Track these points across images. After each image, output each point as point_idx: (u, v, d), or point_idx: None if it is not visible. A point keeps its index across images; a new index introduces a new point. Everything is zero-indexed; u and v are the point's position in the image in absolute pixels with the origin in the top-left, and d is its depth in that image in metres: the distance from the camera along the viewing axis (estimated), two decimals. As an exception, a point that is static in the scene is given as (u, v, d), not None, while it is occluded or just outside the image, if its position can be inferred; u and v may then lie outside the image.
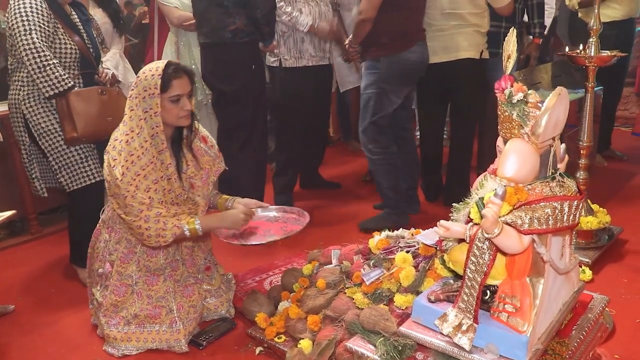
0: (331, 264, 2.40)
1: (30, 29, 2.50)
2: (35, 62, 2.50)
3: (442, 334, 1.61)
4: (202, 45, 3.32)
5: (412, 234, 2.32)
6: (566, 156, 1.70)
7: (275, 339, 2.17)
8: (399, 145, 3.41)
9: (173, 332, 2.26)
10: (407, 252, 2.14)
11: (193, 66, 3.67)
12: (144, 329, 2.28)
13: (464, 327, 1.57)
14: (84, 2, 3.18)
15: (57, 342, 2.38)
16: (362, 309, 1.97)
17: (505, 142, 1.60)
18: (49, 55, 2.52)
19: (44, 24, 2.55)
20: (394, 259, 2.13)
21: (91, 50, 2.80)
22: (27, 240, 3.44)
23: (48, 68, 2.52)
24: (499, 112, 1.59)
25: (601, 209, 2.92)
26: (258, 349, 2.22)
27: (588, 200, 2.91)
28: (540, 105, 1.54)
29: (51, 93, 2.56)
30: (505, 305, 1.57)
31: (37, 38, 2.50)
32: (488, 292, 1.63)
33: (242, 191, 2.65)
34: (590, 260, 2.69)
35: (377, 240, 2.32)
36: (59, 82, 2.55)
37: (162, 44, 3.93)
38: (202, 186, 2.39)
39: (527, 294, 1.55)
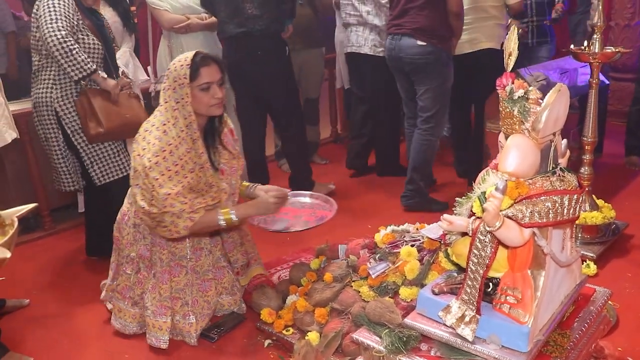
0: (338, 258, 2.45)
1: (56, 18, 2.61)
2: (62, 47, 2.60)
3: (446, 325, 1.65)
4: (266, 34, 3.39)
5: (417, 228, 2.36)
6: (567, 151, 1.73)
7: (284, 332, 2.21)
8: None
9: (185, 324, 2.31)
10: (412, 246, 2.18)
11: None
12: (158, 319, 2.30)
13: (467, 319, 1.61)
14: (96, 3, 3.26)
15: (71, 335, 2.44)
16: (368, 301, 2.01)
17: (507, 138, 1.64)
18: (72, 40, 2.63)
19: (69, 15, 2.66)
20: (399, 252, 2.17)
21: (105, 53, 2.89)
22: (41, 236, 3.50)
23: (75, 52, 2.62)
24: (501, 109, 1.62)
25: (606, 204, 2.94)
26: (267, 342, 2.27)
27: (593, 195, 2.93)
28: (540, 101, 1.57)
29: (80, 76, 2.67)
30: (507, 297, 1.61)
31: (62, 26, 2.60)
32: (490, 284, 1.67)
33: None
34: (595, 255, 2.71)
35: (382, 234, 2.36)
36: (85, 64, 2.66)
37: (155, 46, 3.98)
38: (230, 173, 2.40)
39: (529, 286, 1.59)
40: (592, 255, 2.70)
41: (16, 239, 2.07)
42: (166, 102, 2.20)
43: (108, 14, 3.34)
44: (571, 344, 1.72)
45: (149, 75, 3.92)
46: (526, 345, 1.55)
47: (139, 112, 2.86)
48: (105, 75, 2.77)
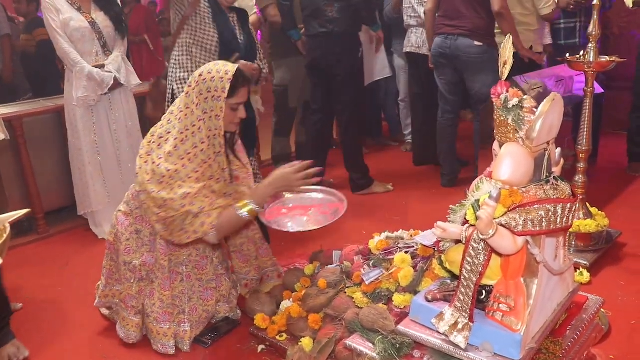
0: (332, 264, 2.45)
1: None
2: None
3: (439, 333, 1.66)
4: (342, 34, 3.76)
5: (411, 235, 2.37)
6: (561, 160, 1.74)
7: (277, 337, 2.21)
8: None
9: (179, 332, 2.29)
10: (406, 252, 2.19)
11: None
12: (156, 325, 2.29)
13: (460, 326, 1.61)
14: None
15: (64, 339, 2.43)
16: (362, 308, 2.01)
17: (501, 146, 1.65)
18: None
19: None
20: (393, 259, 2.18)
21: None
22: (35, 239, 3.49)
23: None
24: (495, 117, 1.63)
25: (600, 212, 2.95)
26: (260, 347, 2.27)
27: (587, 203, 2.94)
28: (535, 110, 1.59)
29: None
30: (500, 305, 1.61)
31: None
32: (483, 291, 1.67)
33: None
34: (589, 263, 2.72)
35: (377, 241, 2.37)
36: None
37: None
38: (247, 178, 2.38)
39: (521, 294, 1.60)
40: (585, 263, 2.71)
41: (8, 245, 2.06)
42: (188, 109, 2.12)
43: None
44: (563, 351, 1.73)
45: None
46: (518, 353, 1.56)
47: None
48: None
